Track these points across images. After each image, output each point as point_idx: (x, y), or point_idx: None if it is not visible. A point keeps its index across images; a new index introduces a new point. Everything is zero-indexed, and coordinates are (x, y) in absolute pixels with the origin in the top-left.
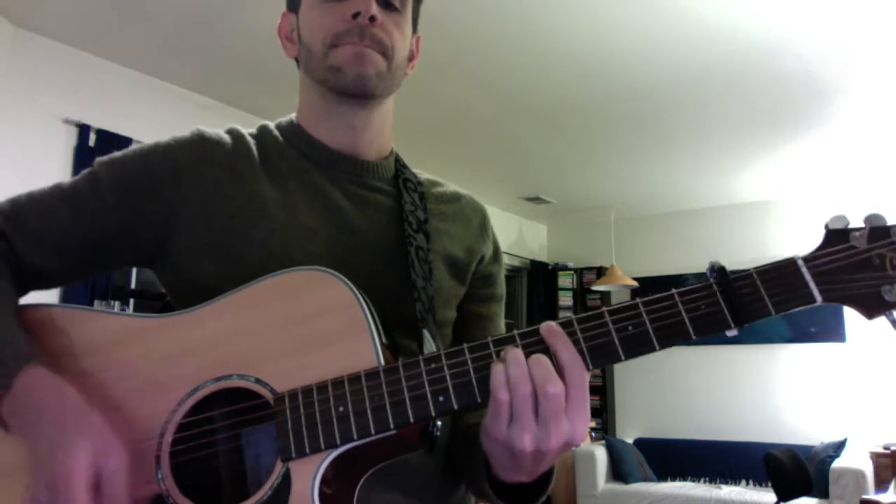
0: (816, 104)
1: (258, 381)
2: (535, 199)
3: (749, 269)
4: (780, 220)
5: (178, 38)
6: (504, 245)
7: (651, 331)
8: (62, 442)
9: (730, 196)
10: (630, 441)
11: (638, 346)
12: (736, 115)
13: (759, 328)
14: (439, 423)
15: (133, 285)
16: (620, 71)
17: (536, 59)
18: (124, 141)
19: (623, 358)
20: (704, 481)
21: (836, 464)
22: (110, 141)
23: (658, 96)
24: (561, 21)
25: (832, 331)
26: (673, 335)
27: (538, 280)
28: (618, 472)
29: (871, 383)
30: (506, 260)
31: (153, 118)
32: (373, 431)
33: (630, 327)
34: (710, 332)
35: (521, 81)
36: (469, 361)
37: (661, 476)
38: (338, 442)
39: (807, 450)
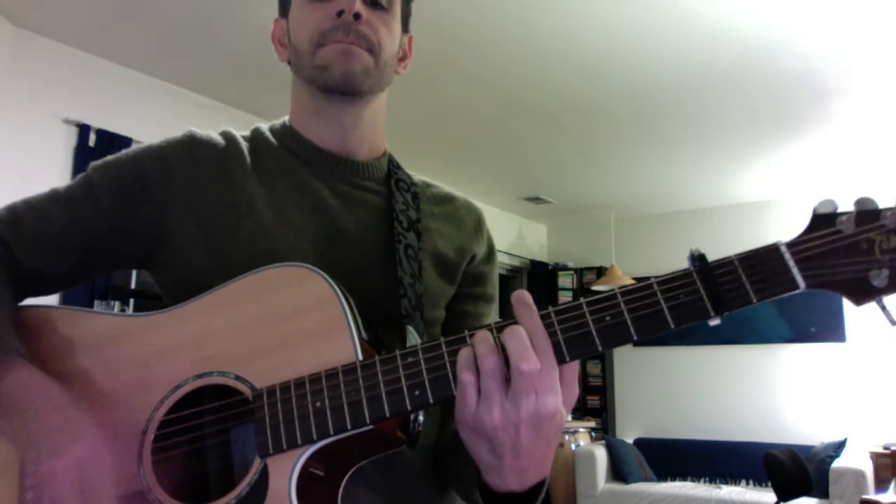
0: (816, 104)
1: (238, 377)
2: (535, 199)
3: (730, 256)
4: (780, 220)
5: (178, 38)
6: (504, 245)
7: (629, 321)
8: (46, 442)
9: (730, 196)
10: (630, 441)
11: (615, 336)
12: (736, 115)
13: (759, 328)
14: (421, 417)
15: (133, 285)
16: (620, 71)
17: (536, 59)
18: (124, 141)
19: (600, 349)
20: (704, 481)
21: (836, 464)
22: (110, 141)
23: (658, 96)
24: (561, 21)
25: (832, 331)
26: (651, 325)
27: (538, 280)
28: (618, 472)
29: (871, 383)
30: (506, 260)
31: (153, 118)
32: (349, 426)
33: (608, 318)
34: (690, 321)
35: (521, 81)
36: (446, 355)
37: (661, 476)
38: (314, 437)
39: (807, 450)
